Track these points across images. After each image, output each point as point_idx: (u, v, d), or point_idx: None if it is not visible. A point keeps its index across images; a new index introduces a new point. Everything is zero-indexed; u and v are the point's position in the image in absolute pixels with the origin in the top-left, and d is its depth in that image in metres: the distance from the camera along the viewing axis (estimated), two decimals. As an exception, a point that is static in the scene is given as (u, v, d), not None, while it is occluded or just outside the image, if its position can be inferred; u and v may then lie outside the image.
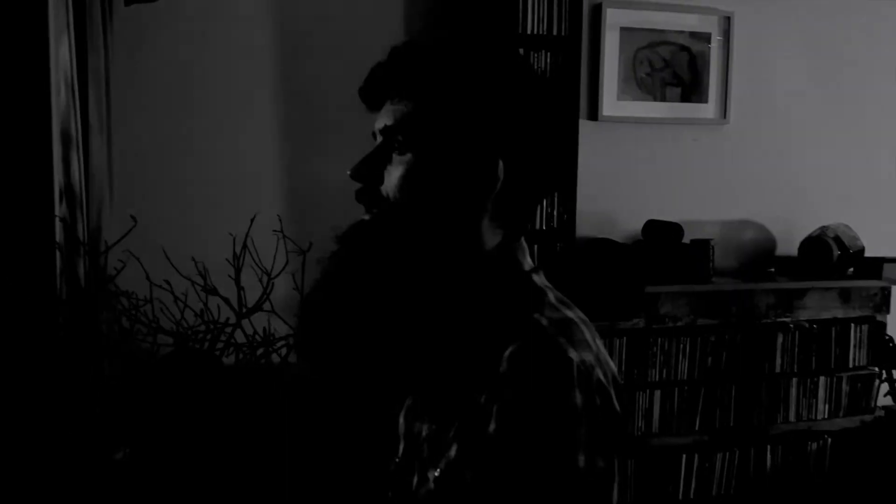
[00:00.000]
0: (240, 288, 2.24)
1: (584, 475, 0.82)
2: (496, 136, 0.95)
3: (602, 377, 0.88)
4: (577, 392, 0.84)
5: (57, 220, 2.09)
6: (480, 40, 1.01)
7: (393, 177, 0.96)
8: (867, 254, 3.33)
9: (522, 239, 1.02)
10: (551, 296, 0.97)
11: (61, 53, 2.11)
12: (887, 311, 3.34)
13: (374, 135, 1.00)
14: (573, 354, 0.86)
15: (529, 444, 0.82)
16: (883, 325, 3.34)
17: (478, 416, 0.86)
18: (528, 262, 1.01)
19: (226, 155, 2.90)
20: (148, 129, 2.81)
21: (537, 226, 2.94)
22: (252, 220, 2.25)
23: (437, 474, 0.90)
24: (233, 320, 2.24)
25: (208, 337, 2.19)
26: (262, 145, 2.96)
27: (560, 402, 0.83)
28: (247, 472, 2.08)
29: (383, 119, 0.97)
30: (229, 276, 2.22)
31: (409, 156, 0.95)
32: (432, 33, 2.98)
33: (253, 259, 2.25)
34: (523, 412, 0.83)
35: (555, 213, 2.98)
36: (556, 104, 1.02)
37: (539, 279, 1.00)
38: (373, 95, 0.99)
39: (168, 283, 2.20)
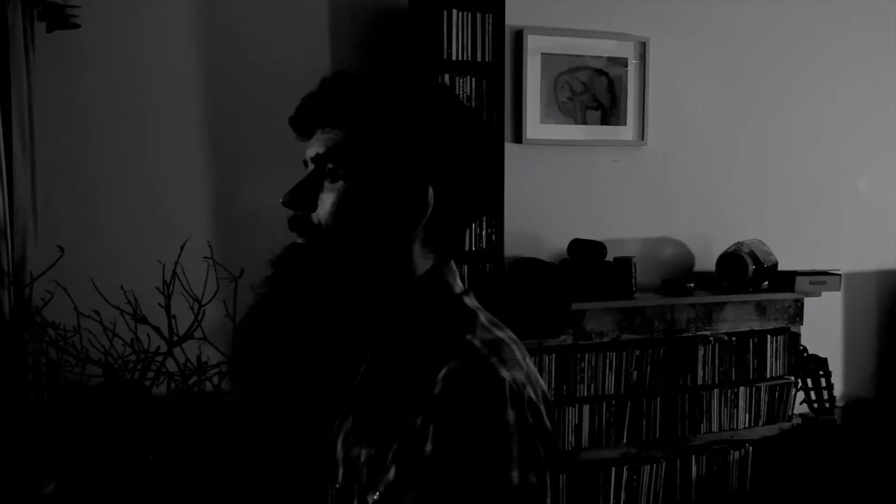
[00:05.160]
0: (170, 316, 2.21)
1: (517, 491, 0.84)
2: (426, 164, 0.98)
3: (533, 395, 0.91)
4: (510, 410, 0.87)
5: (-21, 251, 2.05)
6: (409, 71, 1.04)
7: (325, 204, 0.97)
8: (780, 268, 3.46)
9: (452, 262, 1.05)
10: (482, 317, 0.99)
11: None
12: (801, 322, 3.48)
13: (305, 163, 1.01)
14: (505, 374, 0.89)
15: (465, 462, 0.84)
16: (797, 336, 3.48)
17: (415, 437, 0.87)
18: (458, 285, 1.03)
19: (154, 182, 2.85)
20: (73, 158, 2.75)
21: (466, 247, 2.98)
22: (182, 248, 2.24)
23: (376, 498, 0.90)
24: (164, 349, 2.21)
25: (139, 366, 2.16)
26: (191, 172, 2.91)
27: (493, 420, 0.86)
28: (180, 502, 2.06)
29: (314, 147, 0.98)
30: (159, 304, 2.20)
31: (340, 183, 0.97)
32: (358, 61, 3.00)
33: (183, 286, 2.23)
34: (458, 431, 0.85)
35: (483, 233, 3.03)
36: (482, 131, 1.05)
37: (470, 301, 1.03)
38: (304, 124, 1.01)
39: (97, 312, 2.17)
